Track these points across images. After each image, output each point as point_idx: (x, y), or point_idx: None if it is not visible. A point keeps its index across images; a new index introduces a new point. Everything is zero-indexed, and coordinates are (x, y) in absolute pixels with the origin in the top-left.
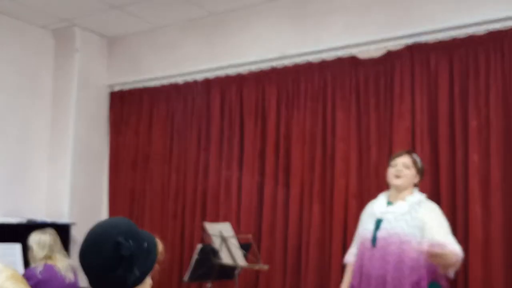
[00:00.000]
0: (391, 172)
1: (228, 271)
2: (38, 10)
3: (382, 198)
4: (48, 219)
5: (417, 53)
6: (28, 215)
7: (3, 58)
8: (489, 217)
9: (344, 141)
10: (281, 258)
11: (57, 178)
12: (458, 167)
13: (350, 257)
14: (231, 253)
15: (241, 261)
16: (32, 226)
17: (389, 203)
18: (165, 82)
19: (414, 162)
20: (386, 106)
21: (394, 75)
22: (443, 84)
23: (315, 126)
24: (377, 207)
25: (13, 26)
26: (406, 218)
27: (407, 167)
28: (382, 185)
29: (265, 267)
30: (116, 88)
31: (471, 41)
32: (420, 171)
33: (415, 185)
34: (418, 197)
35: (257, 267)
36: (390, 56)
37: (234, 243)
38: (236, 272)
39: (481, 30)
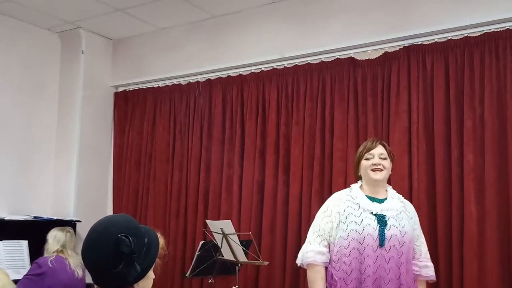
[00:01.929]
0: (366, 165)
1: (229, 267)
2: (44, 13)
3: (359, 193)
4: (54, 216)
5: (413, 54)
6: (34, 213)
7: (10, 59)
8: (484, 216)
9: (343, 141)
10: (281, 255)
11: (63, 176)
12: (454, 166)
13: (318, 256)
14: (232, 249)
15: (241, 257)
16: (38, 224)
17: (373, 199)
18: (168, 82)
19: (388, 152)
20: (383, 106)
21: (391, 76)
22: (439, 85)
23: (314, 126)
24: (365, 202)
25: (20, 28)
26: (404, 216)
27: (384, 158)
28: None
29: (265, 263)
30: (120, 89)
31: (466, 42)
32: (392, 161)
33: None
34: (395, 192)
35: (257, 263)
36: (387, 57)
37: (235, 240)
38: (237, 268)
39: (476, 32)
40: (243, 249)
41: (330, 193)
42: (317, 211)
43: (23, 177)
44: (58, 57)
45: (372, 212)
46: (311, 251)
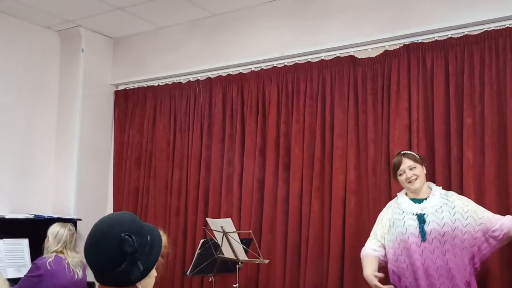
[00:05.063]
0: (402, 180)
1: (229, 265)
2: (44, 11)
3: (404, 198)
4: (55, 215)
5: (413, 53)
6: (34, 211)
7: (10, 58)
8: None
9: (343, 139)
10: (281, 253)
11: (63, 174)
12: (454, 164)
13: (369, 251)
14: (232, 247)
15: (242, 255)
16: (39, 222)
17: (416, 200)
18: (168, 81)
19: (415, 159)
20: (383, 104)
21: (391, 74)
22: (439, 83)
23: (314, 124)
24: (407, 206)
25: (20, 27)
26: (446, 208)
27: (413, 167)
28: (379, 182)
29: (266, 261)
30: (121, 87)
31: (466, 40)
32: (423, 162)
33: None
34: (438, 189)
35: (257, 261)
36: (387, 55)
37: (235, 238)
38: (237, 266)
39: (476, 30)
40: (243, 247)
41: (330, 191)
42: (317, 209)
43: (23, 176)
44: (58, 55)
45: (413, 213)
46: (366, 248)
